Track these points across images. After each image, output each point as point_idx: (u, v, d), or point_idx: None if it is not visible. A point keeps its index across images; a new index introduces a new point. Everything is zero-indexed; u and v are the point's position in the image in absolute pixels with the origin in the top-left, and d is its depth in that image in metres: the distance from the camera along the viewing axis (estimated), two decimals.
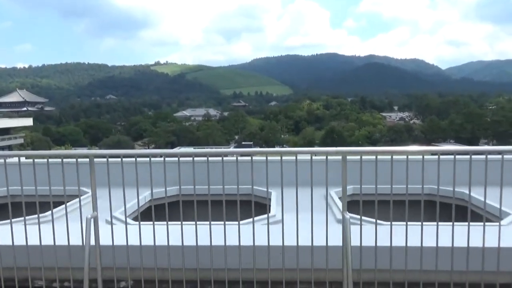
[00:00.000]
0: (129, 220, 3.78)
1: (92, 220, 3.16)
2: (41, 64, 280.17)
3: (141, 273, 3.29)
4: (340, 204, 5.78)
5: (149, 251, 3.27)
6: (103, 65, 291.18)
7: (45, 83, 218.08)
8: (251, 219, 3.44)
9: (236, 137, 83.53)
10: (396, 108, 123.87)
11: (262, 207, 3.69)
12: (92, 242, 3.21)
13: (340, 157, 3.17)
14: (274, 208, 5.09)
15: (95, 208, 3.26)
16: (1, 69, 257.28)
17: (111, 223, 3.44)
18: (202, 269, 3.28)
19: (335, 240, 3.22)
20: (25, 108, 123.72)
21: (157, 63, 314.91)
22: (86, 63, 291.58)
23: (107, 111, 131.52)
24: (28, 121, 48.11)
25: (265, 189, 3.53)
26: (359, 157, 3.30)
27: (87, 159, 3.30)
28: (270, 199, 4.91)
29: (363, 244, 3.12)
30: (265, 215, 3.83)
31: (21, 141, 49.14)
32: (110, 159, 3.28)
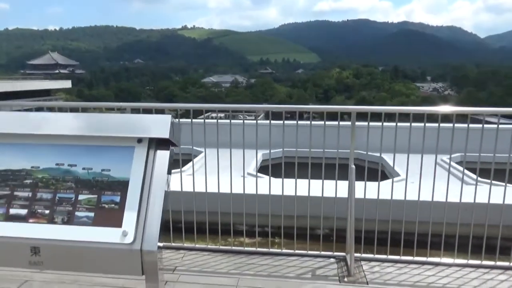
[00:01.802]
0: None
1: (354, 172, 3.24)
2: (71, 27, 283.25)
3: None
4: (459, 167, 6.36)
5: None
6: (131, 28, 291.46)
7: (75, 46, 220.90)
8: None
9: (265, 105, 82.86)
10: (429, 78, 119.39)
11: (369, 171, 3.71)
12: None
13: (450, 125, 3.26)
14: (392, 170, 5.40)
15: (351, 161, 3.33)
16: (33, 31, 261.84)
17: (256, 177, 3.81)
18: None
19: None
20: (57, 71, 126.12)
21: (184, 27, 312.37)
22: (115, 26, 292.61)
23: (135, 75, 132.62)
24: (67, 83, 49.39)
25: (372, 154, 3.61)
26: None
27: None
28: (382, 164, 5.04)
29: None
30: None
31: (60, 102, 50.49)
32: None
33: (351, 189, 3.13)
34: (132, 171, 2.23)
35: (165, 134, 2.22)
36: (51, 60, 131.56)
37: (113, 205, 2.18)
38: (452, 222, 3.23)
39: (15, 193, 2.27)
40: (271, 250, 3.44)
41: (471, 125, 3.24)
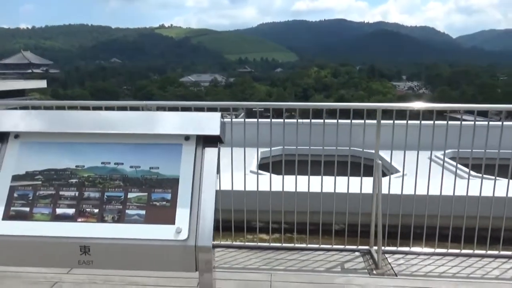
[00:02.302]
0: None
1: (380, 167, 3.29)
2: (44, 25, 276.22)
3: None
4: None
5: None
6: (106, 27, 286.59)
7: (48, 45, 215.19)
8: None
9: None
10: (404, 77, 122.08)
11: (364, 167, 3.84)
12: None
13: (444, 122, 3.41)
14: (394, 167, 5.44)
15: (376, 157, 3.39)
16: (4, 29, 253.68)
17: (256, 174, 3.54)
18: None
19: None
20: (30, 70, 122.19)
21: (162, 26, 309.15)
22: (90, 24, 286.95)
23: (112, 74, 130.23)
24: (42, 83, 47.87)
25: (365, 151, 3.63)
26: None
27: None
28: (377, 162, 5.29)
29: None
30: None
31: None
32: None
33: (377, 185, 3.22)
34: (182, 168, 2.24)
35: (215, 131, 2.23)
36: (24, 59, 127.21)
37: (164, 203, 2.19)
38: (471, 215, 3.38)
39: (61, 192, 2.24)
40: (297, 245, 3.50)
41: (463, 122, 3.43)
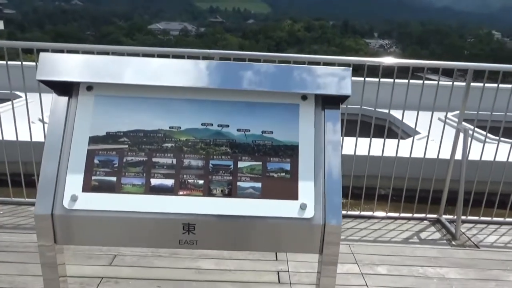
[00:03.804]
0: None
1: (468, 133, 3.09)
2: None
3: None
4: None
5: None
6: None
7: None
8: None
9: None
10: (376, 34, 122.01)
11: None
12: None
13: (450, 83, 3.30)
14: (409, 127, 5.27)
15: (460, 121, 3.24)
16: None
17: None
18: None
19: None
20: None
21: None
22: None
23: (74, 18, 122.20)
24: None
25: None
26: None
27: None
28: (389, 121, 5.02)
29: None
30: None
31: None
32: None
33: (464, 152, 2.99)
34: (300, 134, 1.89)
35: (346, 90, 1.87)
36: None
37: (283, 174, 1.85)
38: None
39: (154, 159, 1.84)
40: (363, 213, 3.28)
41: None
